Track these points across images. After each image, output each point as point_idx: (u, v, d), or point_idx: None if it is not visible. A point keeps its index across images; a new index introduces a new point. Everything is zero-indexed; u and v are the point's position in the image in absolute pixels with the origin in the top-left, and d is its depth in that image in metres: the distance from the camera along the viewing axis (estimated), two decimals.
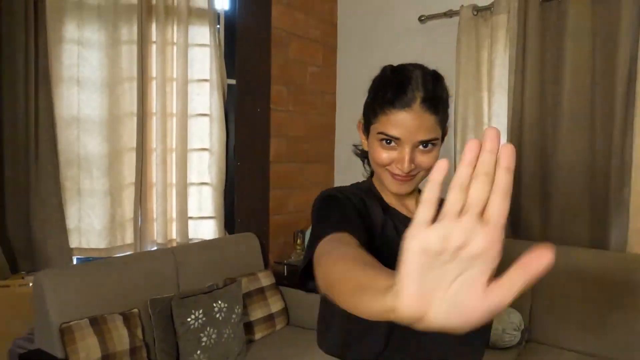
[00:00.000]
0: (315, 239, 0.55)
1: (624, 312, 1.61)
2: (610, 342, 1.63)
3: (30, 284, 1.68)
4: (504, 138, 1.94)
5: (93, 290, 1.49)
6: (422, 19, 2.14)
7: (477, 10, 1.96)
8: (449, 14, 2.04)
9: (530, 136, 1.88)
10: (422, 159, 0.61)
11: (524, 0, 1.86)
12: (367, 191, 0.69)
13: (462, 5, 1.98)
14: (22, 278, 1.72)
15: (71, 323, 1.35)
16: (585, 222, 1.80)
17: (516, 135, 1.90)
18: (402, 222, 0.66)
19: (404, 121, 0.58)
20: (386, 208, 0.67)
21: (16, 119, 1.71)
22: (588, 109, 1.78)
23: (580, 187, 1.81)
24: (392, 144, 0.60)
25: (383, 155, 0.61)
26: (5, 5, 1.70)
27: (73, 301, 1.43)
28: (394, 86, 0.60)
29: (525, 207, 1.90)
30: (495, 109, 1.98)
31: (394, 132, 0.59)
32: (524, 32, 1.87)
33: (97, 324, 1.39)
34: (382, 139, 0.61)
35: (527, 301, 1.77)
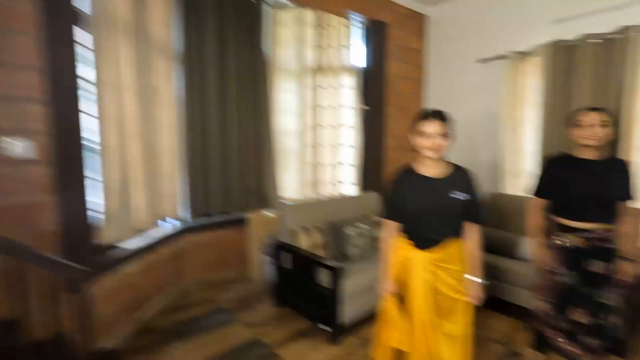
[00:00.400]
0: (384, 210, 1.61)
1: None
2: None
3: (269, 214, 3.32)
4: (538, 134, 3.00)
5: (304, 215, 2.75)
6: (482, 61, 3.33)
7: (521, 54, 3.05)
8: (500, 57, 3.18)
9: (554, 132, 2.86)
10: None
11: (554, 47, 2.82)
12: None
13: (510, 51, 3.09)
14: (264, 211, 3.37)
15: (296, 228, 2.71)
16: None
17: (545, 132, 2.91)
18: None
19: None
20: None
21: (258, 133, 3.39)
22: None
23: None
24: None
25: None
26: (254, 71, 3.36)
27: (295, 219, 2.70)
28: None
29: None
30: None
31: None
32: (553, 69, 2.82)
33: (307, 230, 2.89)
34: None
35: None
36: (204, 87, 2.89)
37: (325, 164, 3.52)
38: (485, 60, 3.28)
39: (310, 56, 3.33)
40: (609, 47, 2.57)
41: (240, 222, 3.26)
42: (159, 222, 2.74)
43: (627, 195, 1.75)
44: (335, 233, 2.80)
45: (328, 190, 3.55)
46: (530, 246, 2.01)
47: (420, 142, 1.42)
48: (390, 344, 1.52)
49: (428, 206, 1.46)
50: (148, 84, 2.40)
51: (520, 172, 3.19)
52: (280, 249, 2.69)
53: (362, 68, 3.60)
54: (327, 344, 2.26)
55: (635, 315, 2.01)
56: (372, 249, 2.87)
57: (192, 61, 2.76)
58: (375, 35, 3.54)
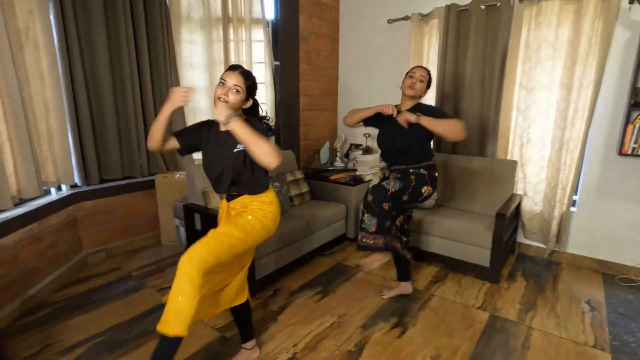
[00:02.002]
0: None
1: (488, 187, 2.90)
2: (480, 204, 2.93)
3: (177, 175, 3.14)
4: (434, 95, 3.25)
5: None
6: (389, 21, 3.43)
7: (422, 16, 3.22)
8: (406, 18, 3.31)
9: (448, 92, 3.12)
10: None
11: (447, 10, 2.98)
12: None
13: (413, 13, 3.24)
14: (172, 173, 3.20)
15: (207, 189, 2.80)
16: (475, 142, 3.08)
17: (440, 91, 3.14)
18: None
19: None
20: None
21: (160, 86, 2.99)
22: (480, 76, 2.93)
23: (474, 124, 3.05)
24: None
25: None
26: (149, 17, 2.94)
27: (206, 180, 2.80)
28: None
29: None
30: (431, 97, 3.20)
31: None
32: (446, 30, 3.02)
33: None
34: None
35: (441, 183, 3.14)
36: (88, 32, 2.51)
37: None
38: (393, 21, 3.39)
39: (217, 4, 3.07)
40: (496, 14, 2.81)
41: (148, 186, 3.04)
42: (45, 189, 2.42)
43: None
44: None
45: None
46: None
47: (217, 90, 1.45)
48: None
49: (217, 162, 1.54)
50: (9, 23, 1.99)
51: None
52: (191, 211, 2.59)
53: (273, 21, 3.45)
54: None
55: (498, 246, 2.42)
56: (288, 206, 2.93)
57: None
58: None
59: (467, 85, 3.01)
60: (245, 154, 1.47)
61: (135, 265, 2.75)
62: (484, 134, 3.01)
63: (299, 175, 3.31)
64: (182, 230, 2.93)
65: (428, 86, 2.10)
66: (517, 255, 3.03)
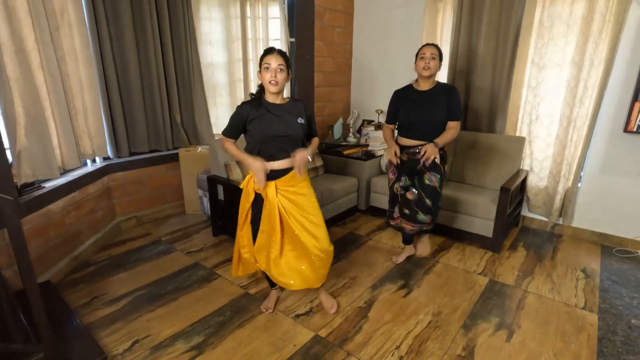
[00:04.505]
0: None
1: (496, 163, 2.98)
2: (487, 179, 3.03)
3: (200, 149, 3.33)
4: (446, 72, 3.31)
5: None
6: None
7: None
8: None
9: (461, 67, 3.16)
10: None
11: None
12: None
13: None
14: (194, 147, 3.39)
15: (229, 162, 2.95)
16: (485, 118, 3.16)
17: (453, 66, 3.17)
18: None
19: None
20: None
21: (182, 63, 3.07)
22: (492, 53, 2.95)
23: (484, 100, 3.07)
24: None
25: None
26: None
27: (227, 154, 3.00)
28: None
29: None
30: (445, 52, 3.28)
31: None
32: (461, 6, 3.03)
33: (240, 163, 3.02)
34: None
35: (450, 157, 3.22)
36: (115, 12, 2.63)
37: None
38: None
39: None
40: None
41: (173, 159, 3.25)
42: (83, 160, 2.64)
43: (453, 117, 2.16)
44: None
45: None
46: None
47: (264, 75, 1.63)
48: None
49: (276, 127, 1.69)
50: (47, 6, 2.14)
51: None
52: (214, 183, 2.80)
53: None
54: None
55: (501, 218, 2.58)
56: None
57: None
58: None
59: (479, 61, 3.06)
60: (304, 127, 1.77)
61: (164, 231, 3.00)
62: (494, 110, 3.08)
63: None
64: (205, 201, 3.16)
65: (440, 60, 2.16)
66: (521, 228, 3.18)
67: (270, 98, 1.71)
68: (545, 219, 3.12)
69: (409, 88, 2.26)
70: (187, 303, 2.06)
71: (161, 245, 2.77)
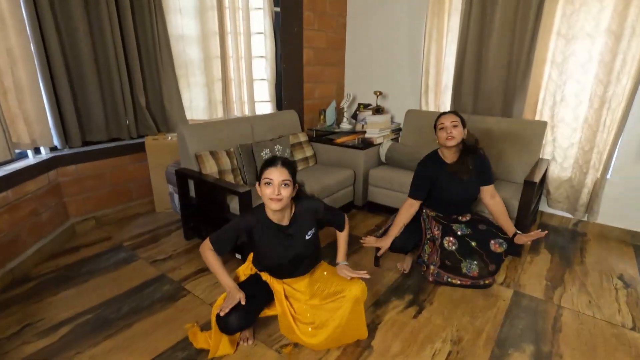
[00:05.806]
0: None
1: (512, 152, 2.56)
2: (502, 170, 2.58)
3: (170, 137, 2.86)
4: (454, 49, 2.89)
5: (210, 137, 2.38)
6: None
7: None
8: None
9: (472, 39, 2.72)
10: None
11: None
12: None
13: None
14: (164, 134, 2.93)
15: (201, 152, 2.47)
16: (499, 100, 2.76)
17: (464, 38, 2.76)
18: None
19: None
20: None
21: (145, 33, 2.55)
22: (511, 22, 2.52)
23: (498, 79, 2.70)
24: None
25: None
26: None
27: (200, 142, 2.32)
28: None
29: (464, 90, 2.88)
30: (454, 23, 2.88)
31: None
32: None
33: (214, 154, 2.53)
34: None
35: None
36: None
37: (240, 80, 3.05)
38: None
39: None
40: None
41: (139, 149, 2.78)
42: (19, 152, 2.17)
43: (488, 182, 1.95)
44: (247, 156, 2.52)
45: (243, 111, 3.15)
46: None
47: (264, 190, 1.35)
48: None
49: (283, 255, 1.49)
50: None
51: (440, 88, 3.12)
52: (183, 177, 2.35)
53: None
54: None
55: (525, 216, 2.19)
56: None
57: None
58: None
59: (495, 32, 2.64)
60: (316, 235, 1.56)
61: (127, 234, 2.55)
62: (511, 91, 2.68)
63: (303, 137, 3.02)
64: (176, 197, 2.70)
65: (464, 125, 1.89)
66: (539, 225, 2.81)
67: (273, 216, 1.43)
68: (567, 214, 2.74)
69: (437, 160, 1.97)
70: (143, 331, 1.63)
71: (122, 252, 2.32)
